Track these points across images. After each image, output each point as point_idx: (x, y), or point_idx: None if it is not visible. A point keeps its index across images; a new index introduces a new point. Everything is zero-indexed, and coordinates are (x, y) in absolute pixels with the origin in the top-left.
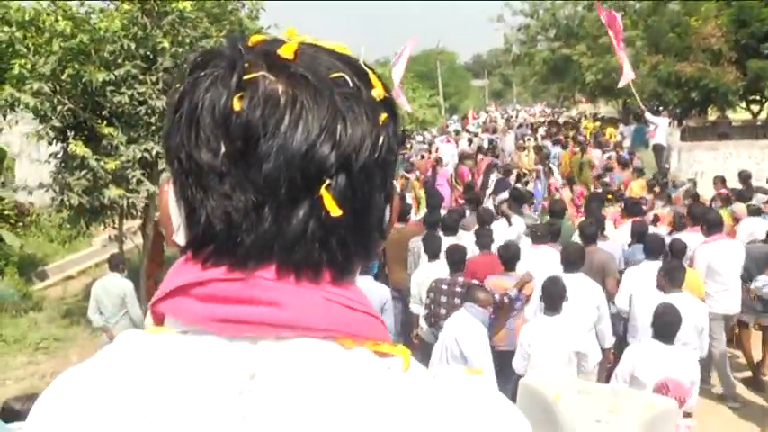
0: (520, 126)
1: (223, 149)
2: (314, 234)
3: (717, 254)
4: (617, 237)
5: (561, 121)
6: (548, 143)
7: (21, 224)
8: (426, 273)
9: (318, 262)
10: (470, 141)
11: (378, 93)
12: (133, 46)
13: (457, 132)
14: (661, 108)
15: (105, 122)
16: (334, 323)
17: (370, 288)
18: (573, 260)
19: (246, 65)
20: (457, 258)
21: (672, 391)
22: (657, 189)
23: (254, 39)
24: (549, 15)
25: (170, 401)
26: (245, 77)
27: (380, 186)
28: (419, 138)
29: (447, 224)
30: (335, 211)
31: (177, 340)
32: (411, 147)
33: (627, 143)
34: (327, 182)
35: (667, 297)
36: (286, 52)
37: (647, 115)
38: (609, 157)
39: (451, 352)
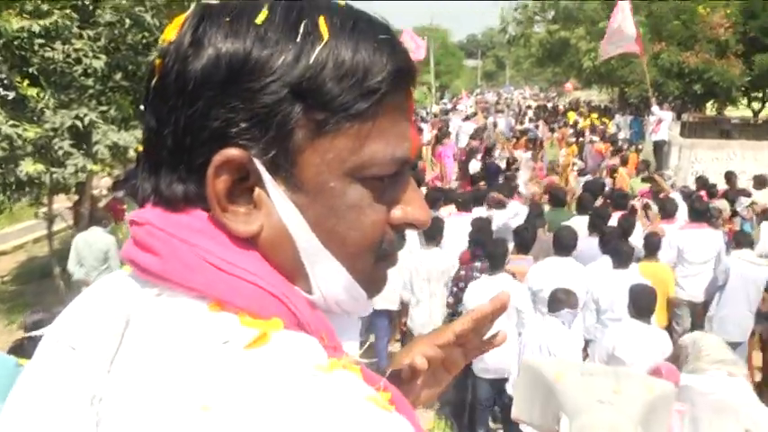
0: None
1: None
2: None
3: (690, 241)
4: None
5: (550, 106)
6: (534, 126)
7: None
8: (421, 259)
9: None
10: (467, 118)
11: (162, 38)
12: None
13: (446, 113)
14: (659, 99)
15: (30, 82)
16: (201, 284)
17: None
18: (565, 244)
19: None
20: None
21: (665, 376)
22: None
23: None
24: None
25: (75, 330)
26: None
27: (164, 124)
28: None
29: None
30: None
31: (120, 280)
32: None
33: (622, 134)
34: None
35: (617, 274)
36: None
37: (654, 108)
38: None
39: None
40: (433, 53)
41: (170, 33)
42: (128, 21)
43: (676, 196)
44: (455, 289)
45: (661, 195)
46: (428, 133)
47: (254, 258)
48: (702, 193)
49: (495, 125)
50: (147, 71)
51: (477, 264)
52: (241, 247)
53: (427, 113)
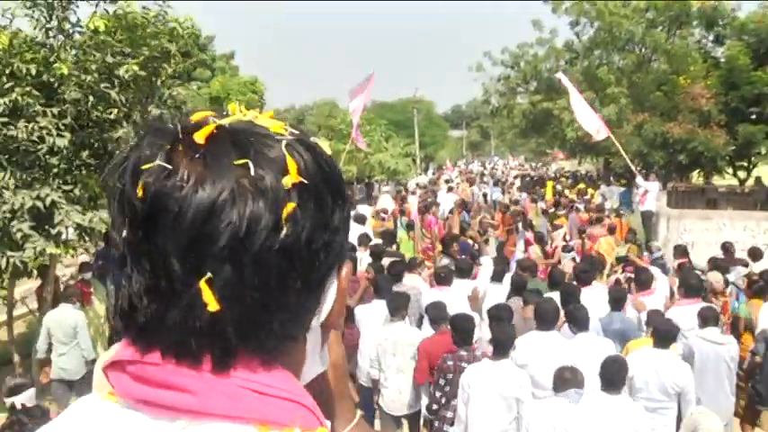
0: (497, 183)
1: (124, 234)
2: (192, 325)
3: (686, 317)
4: None
5: (535, 176)
6: (523, 195)
7: None
8: (387, 333)
9: (196, 352)
10: (450, 189)
11: (286, 181)
12: (33, 70)
13: (434, 183)
14: (642, 170)
15: None
16: (245, 410)
17: None
18: (548, 318)
19: (166, 147)
20: (469, 330)
21: None
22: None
23: (195, 116)
24: (531, 68)
25: None
26: (144, 167)
27: (291, 277)
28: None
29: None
30: (213, 306)
31: (114, 413)
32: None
33: (608, 204)
34: (208, 274)
35: (653, 351)
36: (199, 137)
37: (639, 180)
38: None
39: None
40: (418, 124)
41: (294, 177)
42: (92, 98)
43: (654, 269)
44: (443, 382)
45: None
46: (415, 206)
47: (285, 376)
48: (684, 260)
49: (485, 196)
50: (256, 219)
51: (464, 353)
52: (272, 369)
53: (417, 185)
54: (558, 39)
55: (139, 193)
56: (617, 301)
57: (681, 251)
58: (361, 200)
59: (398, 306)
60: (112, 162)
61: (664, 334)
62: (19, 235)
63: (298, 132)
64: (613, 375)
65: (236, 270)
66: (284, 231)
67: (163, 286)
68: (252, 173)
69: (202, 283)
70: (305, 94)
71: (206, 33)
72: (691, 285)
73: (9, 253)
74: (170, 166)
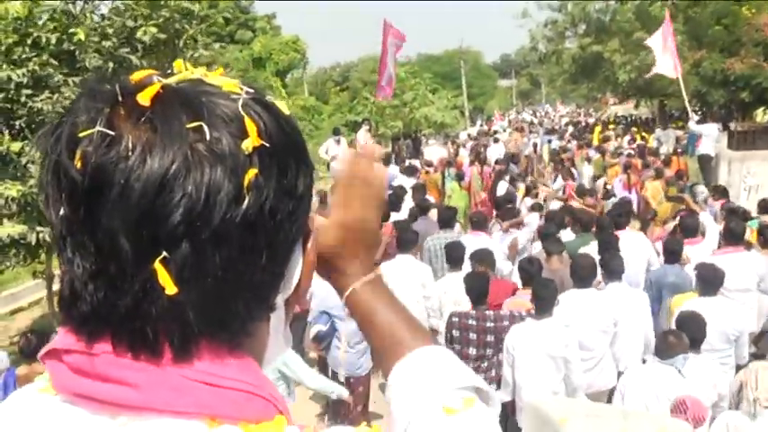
0: (548, 132)
1: (62, 212)
2: (147, 311)
3: (724, 267)
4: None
5: (592, 121)
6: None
7: None
8: (448, 284)
9: (153, 341)
10: (496, 141)
11: (246, 145)
12: (54, 39)
13: (484, 134)
14: (700, 111)
15: (13, 136)
16: (192, 405)
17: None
18: (585, 275)
19: (105, 111)
20: (480, 289)
21: (690, 410)
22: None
23: (136, 76)
24: (579, 9)
25: None
26: (81, 134)
27: (255, 251)
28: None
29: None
30: (170, 289)
31: (52, 407)
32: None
33: (664, 149)
34: (163, 254)
35: (702, 301)
36: (143, 98)
37: (692, 125)
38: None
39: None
40: (465, 75)
41: (255, 139)
42: (111, 64)
43: (706, 216)
44: (448, 335)
45: (682, 214)
46: (467, 158)
47: (244, 364)
48: (723, 202)
49: (534, 147)
50: (215, 188)
51: (473, 311)
52: (232, 356)
53: (469, 136)
54: None
55: (78, 164)
56: (672, 254)
57: (720, 192)
58: (409, 156)
59: (457, 256)
60: (43, 129)
61: (709, 280)
62: None
63: (253, 91)
64: (693, 334)
65: (195, 247)
66: (246, 201)
67: (111, 270)
68: (207, 136)
69: (157, 264)
70: (350, 50)
71: None
72: (732, 231)
73: (38, 228)
74: (112, 133)
